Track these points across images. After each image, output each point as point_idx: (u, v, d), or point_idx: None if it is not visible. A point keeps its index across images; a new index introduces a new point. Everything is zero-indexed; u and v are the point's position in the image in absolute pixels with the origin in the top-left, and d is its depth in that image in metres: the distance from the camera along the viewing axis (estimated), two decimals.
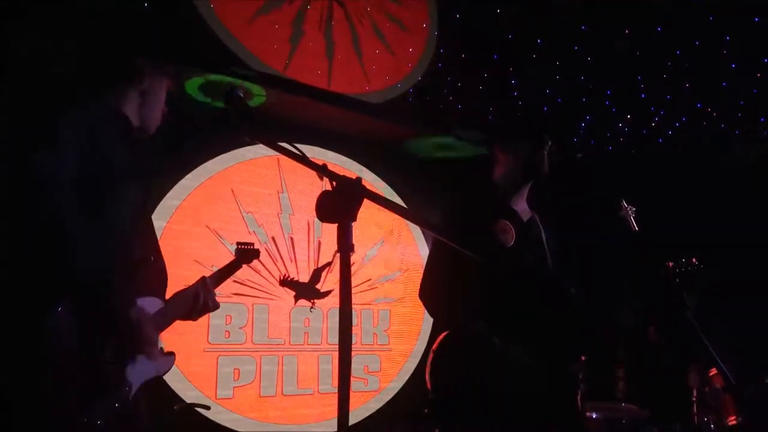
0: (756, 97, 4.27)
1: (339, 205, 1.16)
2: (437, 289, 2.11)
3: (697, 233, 3.90)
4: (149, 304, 1.72)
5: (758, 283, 3.86)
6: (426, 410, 2.05)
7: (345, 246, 1.14)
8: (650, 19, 4.16)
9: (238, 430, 3.67)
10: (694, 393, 3.25)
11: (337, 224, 1.16)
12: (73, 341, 1.47)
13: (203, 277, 1.98)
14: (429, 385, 2.06)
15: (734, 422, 3.13)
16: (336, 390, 1.10)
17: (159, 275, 1.81)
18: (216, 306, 1.95)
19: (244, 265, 2.35)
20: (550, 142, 2.20)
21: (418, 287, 2.16)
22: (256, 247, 2.40)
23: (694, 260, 2.42)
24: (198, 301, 1.89)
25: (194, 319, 1.93)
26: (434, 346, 2.09)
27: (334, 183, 1.18)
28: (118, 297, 1.57)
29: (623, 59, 4.35)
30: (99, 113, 1.67)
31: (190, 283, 1.93)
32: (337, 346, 1.10)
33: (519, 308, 2.00)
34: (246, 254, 2.36)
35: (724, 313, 3.58)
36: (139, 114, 1.77)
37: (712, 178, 4.34)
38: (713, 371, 3.21)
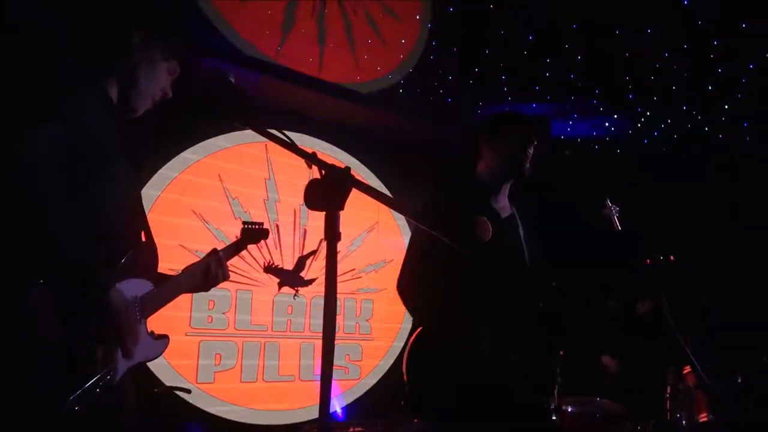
0: (741, 102, 4.34)
1: (327, 193, 1.16)
2: (415, 282, 2.12)
3: (679, 231, 3.97)
4: (137, 286, 1.69)
5: (736, 281, 3.94)
6: (402, 402, 2.08)
7: (332, 234, 1.15)
8: (641, 21, 4.19)
9: (218, 415, 3.68)
10: (668, 390, 3.32)
11: (324, 212, 1.17)
12: (50, 325, 1.44)
13: (215, 249, 1.97)
14: (405, 378, 2.08)
15: (705, 419, 3.20)
16: (317, 378, 1.12)
17: (149, 256, 1.78)
18: (226, 276, 1.96)
19: (236, 255, 2.19)
20: (535, 142, 2.22)
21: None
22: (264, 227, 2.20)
23: (671, 258, 2.46)
24: (209, 273, 1.90)
25: (206, 290, 1.95)
26: (410, 341, 2.12)
27: (323, 171, 1.19)
28: (99, 278, 1.54)
29: (613, 59, 4.39)
30: (84, 90, 1.63)
31: (175, 268, 1.92)
32: (319, 334, 1.11)
33: (494, 302, 2.03)
34: (252, 234, 2.19)
35: (701, 310, 3.66)
36: (124, 94, 1.72)
37: (696, 178, 4.43)
38: (687, 369, 3.28)
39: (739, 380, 3.35)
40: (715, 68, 4.25)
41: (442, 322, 2.07)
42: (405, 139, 4.66)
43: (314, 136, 4.38)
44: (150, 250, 1.78)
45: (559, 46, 4.46)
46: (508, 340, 2.02)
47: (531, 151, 2.21)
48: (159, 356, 1.77)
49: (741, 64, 4.17)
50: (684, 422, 3.27)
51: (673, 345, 2.57)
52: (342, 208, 1.17)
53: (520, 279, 2.14)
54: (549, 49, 4.50)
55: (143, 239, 1.79)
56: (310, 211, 1.19)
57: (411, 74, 4.50)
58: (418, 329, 2.13)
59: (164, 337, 1.78)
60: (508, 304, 2.05)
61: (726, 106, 4.42)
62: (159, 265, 1.83)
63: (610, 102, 4.63)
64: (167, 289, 1.79)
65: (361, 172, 4.60)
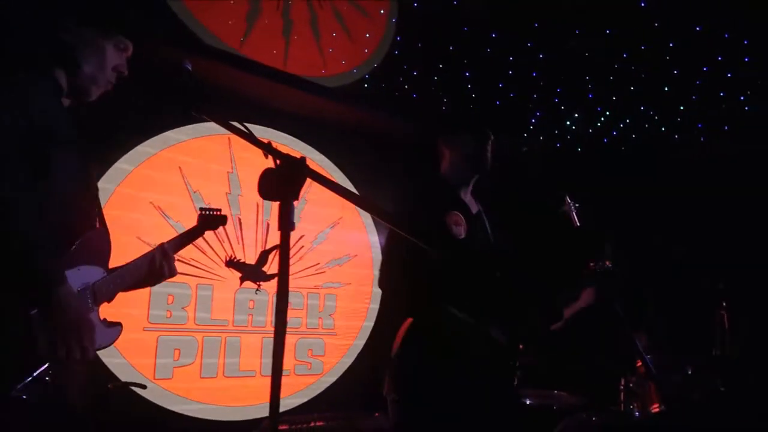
0: (695, 103, 4.49)
1: (282, 183, 1.15)
2: (396, 276, 2.11)
3: (635, 228, 4.09)
4: (90, 273, 1.66)
5: (691, 276, 4.08)
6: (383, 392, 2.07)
7: (285, 224, 1.14)
8: (600, 21, 4.29)
9: (177, 411, 3.62)
10: (622, 381, 3.42)
11: (278, 202, 1.16)
12: None
13: (162, 244, 1.92)
14: (395, 370, 2.07)
15: (657, 410, 3.31)
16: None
17: (102, 243, 1.75)
18: (173, 272, 1.90)
19: (190, 243, 2.13)
20: (492, 137, 2.25)
21: (377, 275, 2.16)
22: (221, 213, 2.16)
23: (607, 263, 2.54)
24: (153, 265, 1.85)
25: (151, 285, 1.90)
26: (401, 332, 2.11)
27: (278, 161, 1.18)
28: (49, 273, 1.50)
29: (574, 59, 4.48)
30: (32, 76, 1.60)
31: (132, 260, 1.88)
32: None
33: (471, 295, 2.05)
34: (210, 220, 2.13)
35: (654, 304, 3.77)
36: (70, 80, 1.69)
37: (652, 176, 4.57)
38: (639, 362, 3.38)
39: (689, 372, 3.47)
40: (671, 70, 4.38)
41: (423, 313, 2.08)
42: (371, 135, 4.65)
43: (279, 129, 4.34)
44: (103, 237, 1.75)
45: (522, 44, 4.52)
46: (486, 330, 2.04)
47: (489, 146, 2.24)
48: (112, 344, 1.73)
49: (695, 67, 4.31)
50: (637, 413, 3.37)
51: (628, 340, 2.65)
52: (297, 198, 1.16)
53: (496, 273, 2.17)
54: (512, 46, 4.56)
55: (97, 226, 1.75)
56: (273, 205, 1.18)
57: (376, 69, 4.50)
58: (407, 323, 2.13)
59: (117, 325, 1.75)
60: (484, 297, 2.07)
61: (681, 107, 4.57)
62: (116, 258, 1.79)
63: (570, 100, 4.73)
64: (117, 277, 1.76)
65: (327, 168, 4.57)
